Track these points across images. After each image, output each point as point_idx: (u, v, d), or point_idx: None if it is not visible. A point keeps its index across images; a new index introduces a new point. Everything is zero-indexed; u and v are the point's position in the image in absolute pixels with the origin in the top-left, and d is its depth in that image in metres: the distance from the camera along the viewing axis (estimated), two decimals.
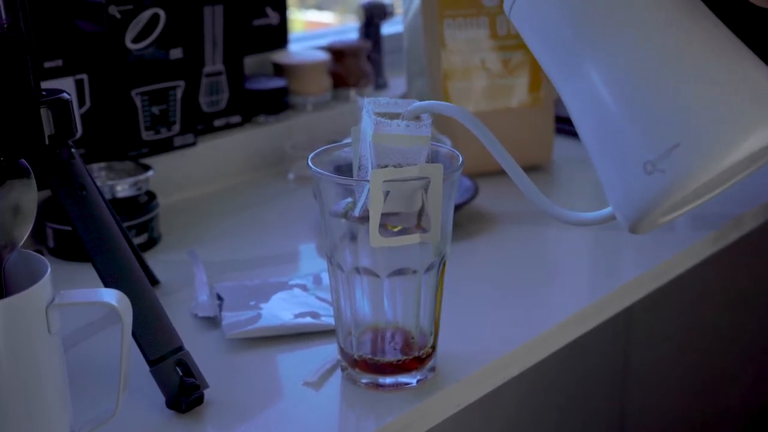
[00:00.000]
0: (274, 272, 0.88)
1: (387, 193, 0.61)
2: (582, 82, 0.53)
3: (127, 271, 0.66)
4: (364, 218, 0.62)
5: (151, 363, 0.65)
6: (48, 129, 0.63)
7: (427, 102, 0.62)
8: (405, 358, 0.67)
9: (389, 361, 0.67)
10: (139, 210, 0.93)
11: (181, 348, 0.67)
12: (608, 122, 0.52)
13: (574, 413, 1.53)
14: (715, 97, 0.50)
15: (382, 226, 0.62)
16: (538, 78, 1.13)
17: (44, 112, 0.63)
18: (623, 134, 0.51)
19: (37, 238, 0.94)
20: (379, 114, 0.62)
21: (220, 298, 0.81)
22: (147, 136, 1.05)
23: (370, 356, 0.67)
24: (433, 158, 0.65)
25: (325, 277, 0.84)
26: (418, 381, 0.69)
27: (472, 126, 0.60)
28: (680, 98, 0.50)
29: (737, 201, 1.03)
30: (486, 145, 0.60)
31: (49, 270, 0.56)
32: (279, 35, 1.26)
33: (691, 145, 0.49)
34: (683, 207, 0.55)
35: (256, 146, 1.16)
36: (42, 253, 0.60)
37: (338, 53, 1.28)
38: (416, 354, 0.68)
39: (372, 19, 1.35)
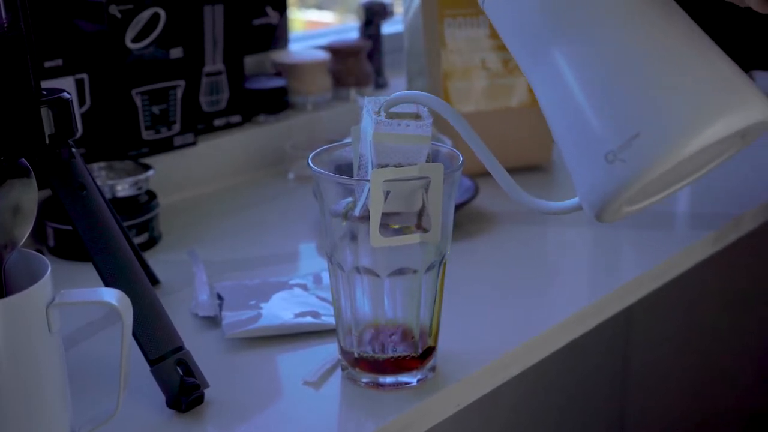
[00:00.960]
0: (274, 272, 0.88)
1: (387, 193, 0.61)
2: (549, 70, 0.54)
3: (127, 271, 0.66)
4: (365, 218, 0.62)
5: (152, 362, 0.65)
6: (48, 128, 0.63)
7: (406, 93, 0.62)
8: (405, 355, 0.67)
9: (389, 357, 0.67)
10: (139, 209, 0.93)
11: (181, 347, 0.67)
12: (573, 112, 0.52)
13: (573, 413, 1.53)
14: (676, 87, 0.50)
15: (383, 226, 0.62)
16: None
17: (44, 112, 0.63)
18: (587, 124, 0.52)
19: (38, 237, 0.94)
20: (379, 113, 0.62)
21: (220, 297, 0.81)
22: (147, 135, 1.05)
23: (370, 354, 0.67)
24: (434, 158, 0.65)
25: (326, 277, 0.84)
26: (418, 380, 0.69)
27: (443, 111, 0.61)
28: (641, 88, 0.50)
29: (737, 201, 1.03)
30: (458, 129, 0.61)
31: (50, 269, 0.56)
32: (279, 35, 1.25)
33: (651, 135, 0.49)
34: (650, 197, 0.55)
35: (256, 146, 1.16)
36: (42, 253, 0.60)
37: (338, 53, 1.28)
38: (416, 352, 0.68)
39: (372, 18, 1.35)
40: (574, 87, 0.52)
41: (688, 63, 0.51)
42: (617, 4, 0.52)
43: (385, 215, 0.61)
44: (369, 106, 0.62)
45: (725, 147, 0.53)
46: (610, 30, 0.52)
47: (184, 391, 0.65)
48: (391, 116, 0.61)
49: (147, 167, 0.97)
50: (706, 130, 0.49)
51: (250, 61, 1.22)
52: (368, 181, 0.61)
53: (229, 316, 0.77)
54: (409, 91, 0.62)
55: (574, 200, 0.58)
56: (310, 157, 0.66)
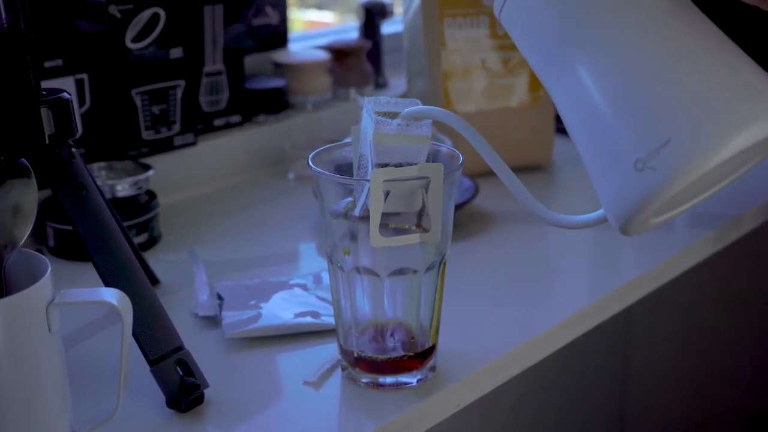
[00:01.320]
0: (274, 272, 0.88)
1: (387, 193, 0.61)
2: (571, 80, 0.53)
3: (127, 271, 0.66)
4: (365, 218, 0.62)
5: (152, 362, 0.65)
6: (48, 128, 0.63)
7: (425, 108, 0.62)
8: (405, 354, 0.67)
9: (389, 357, 0.67)
10: (139, 209, 0.93)
11: (181, 347, 0.67)
12: (598, 121, 0.51)
13: (574, 413, 1.53)
14: (705, 94, 0.49)
15: (383, 226, 0.62)
16: (538, 78, 1.13)
17: (44, 112, 0.63)
18: (613, 132, 0.51)
19: (38, 237, 0.94)
20: (379, 113, 0.62)
21: (220, 297, 0.81)
22: (147, 135, 1.05)
23: (370, 354, 0.67)
24: (434, 158, 0.65)
25: (326, 277, 0.84)
26: (418, 381, 0.69)
27: (467, 133, 0.60)
28: (670, 95, 0.49)
29: (737, 201, 1.03)
30: (479, 151, 0.60)
31: (50, 269, 0.56)
32: (279, 35, 1.25)
33: (681, 141, 0.48)
34: (675, 208, 0.54)
35: (256, 146, 1.16)
36: (42, 253, 0.60)
37: (338, 53, 1.28)
38: (416, 350, 0.68)
39: (372, 18, 1.35)
40: (599, 96, 0.51)
41: (716, 68, 0.50)
42: (640, 12, 0.51)
43: (385, 215, 0.61)
44: (369, 105, 0.62)
45: (754, 153, 0.52)
46: (634, 39, 0.51)
47: (184, 391, 0.65)
48: (391, 116, 0.61)
49: (147, 167, 0.97)
50: (738, 135, 0.48)
51: (249, 61, 1.22)
52: (368, 181, 0.61)
53: (229, 316, 0.77)
54: (429, 107, 0.61)
55: (598, 212, 0.56)
56: (310, 157, 0.66)
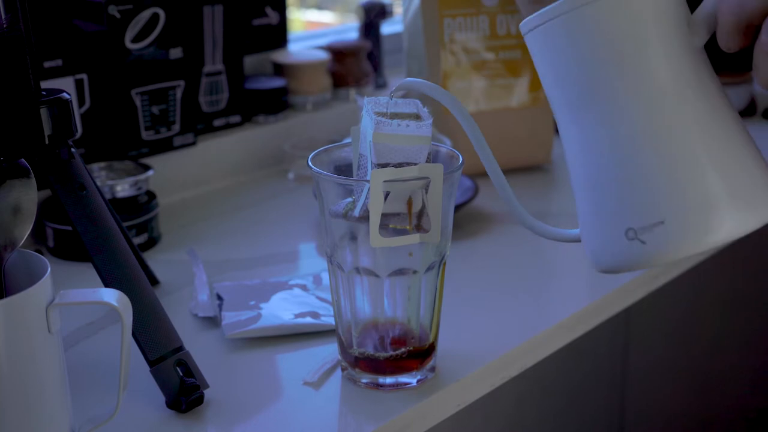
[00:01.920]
0: (274, 272, 0.88)
1: (387, 193, 0.61)
2: (586, 129, 0.53)
3: (127, 271, 0.65)
4: (364, 218, 0.62)
5: (151, 363, 0.65)
6: (48, 129, 0.63)
7: (413, 80, 0.62)
8: (405, 352, 0.67)
9: (389, 356, 0.67)
10: (139, 210, 0.93)
11: (181, 348, 0.67)
12: (603, 175, 0.53)
13: (573, 413, 1.53)
14: (708, 183, 0.51)
15: (383, 226, 0.62)
16: (538, 78, 1.13)
17: (44, 112, 0.63)
18: (614, 192, 0.52)
19: (37, 237, 0.94)
20: (379, 113, 0.62)
21: (220, 297, 0.81)
22: (147, 135, 1.05)
23: (370, 353, 0.67)
24: (434, 158, 0.65)
25: (325, 277, 0.84)
26: (418, 381, 0.69)
27: (455, 110, 0.60)
28: (676, 176, 0.51)
29: None
30: (465, 127, 0.60)
31: (49, 270, 0.56)
32: (279, 35, 1.26)
33: (674, 225, 0.50)
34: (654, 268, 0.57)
35: (255, 146, 1.16)
36: (42, 253, 0.60)
37: (338, 53, 1.28)
38: (416, 351, 0.68)
39: (372, 18, 1.35)
40: (610, 154, 0.52)
41: (724, 159, 0.51)
42: (667, 87, 0.51)
43: (384, 216, 0.61)
44: (368, 106, 0.62)
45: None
46: (657, 110, 0.51)
47: (184, 391, 0.65)
48: (391, 116, 0.61)
49: (147, 167, 0.97)
50: (728, 229, 0.51)
51: (249, 61, 1.22)
52: (368, 181, 0.61)
53: (228, 317, 0.77)
54: (415, 80, 0.62)
55: (575, 232, 0.58)
56: (310, 157, 0.66)
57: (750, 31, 0.49)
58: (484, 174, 1.05)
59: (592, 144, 0.53)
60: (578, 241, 0.58)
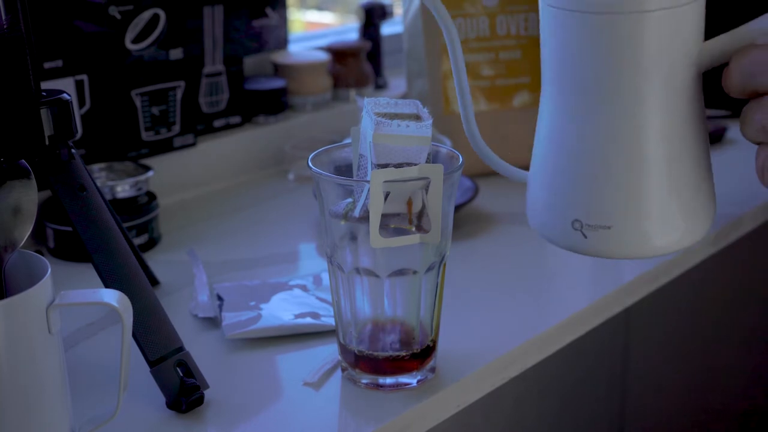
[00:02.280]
0: (274, 272, 0.88)
1: (387, 194, 0.61)
2: (572, 113, 0.54)
3: (127, 272, 0.66)
4: (365, 219, 0.62)
5: (152, 363, 0.65)
6: (48, 129, 0.63)
7: None
8: (405, 354, 0.67)
9: (389, 355, 0.67)
10: (139, 210, 0.93)
11: (181, 348, 0.67)
12: (570, 161, 0.54)
13: (573, 414, 1.53)
14: (662, 202, 0.52)
15: (383, 227, 0.62)
16: (538, 77, 1.13)
17: (44, 113, 0.63)
18: (575, 182, 0.54)
19: (38, 238, 0.94)
20: (379, 114, 0.62)
21: (220, 298, 0.81)
22: (147, 136, 1.05)
23: (370, 351, 0.67)
24: (434, 158, 0.65)
25: (326, 278, 0.84)
26: (418, 381, 0.69)
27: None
28: (641, 188, 0.52)
29: (737, 201, 1.03)
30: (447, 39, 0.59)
31: (50, 270, 0.56)
32: (279, 35, 1.25)
33: (620, 233, 0.52)
34: None
35: (255, 146, 1.16)
36: (42, 254, 0.60)
37: (338, 54, 1.28)
38: (416, 349, 0.68)
39: (372, 19, 1.35)
40: (583, 146, 0.53)
41: (680, 180, 0.53)
42: (655, 102, 0.52)
43: (384, 216, 0.61)
44: (369, 106, 0.62)
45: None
46: (643, 121, 0.52)
47: (184, 392, 0.65)
48: (391, 117, 0.61)
49: (147, 168, 0.97)
50: (665, 245, 0.53)
51: (249, 62, 1.22)
52: (368, 181, 0.61)
53: (229, 317, 0.77)
54: None
55: (523, 176, 0.59)
56: (310, 157, 0.66)
57: (751, 95, 0.50)
58: (484, 174, 1.05)
59: (572, 128, 0.53)
60: (521, 182, 0.59)
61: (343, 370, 0.70)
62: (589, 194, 0.53)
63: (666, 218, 0.52)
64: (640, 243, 0.53)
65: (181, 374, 0.66)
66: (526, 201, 0.58)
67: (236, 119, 1.16)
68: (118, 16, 0.97)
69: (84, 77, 0.99)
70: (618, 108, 0.52)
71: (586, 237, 0.53)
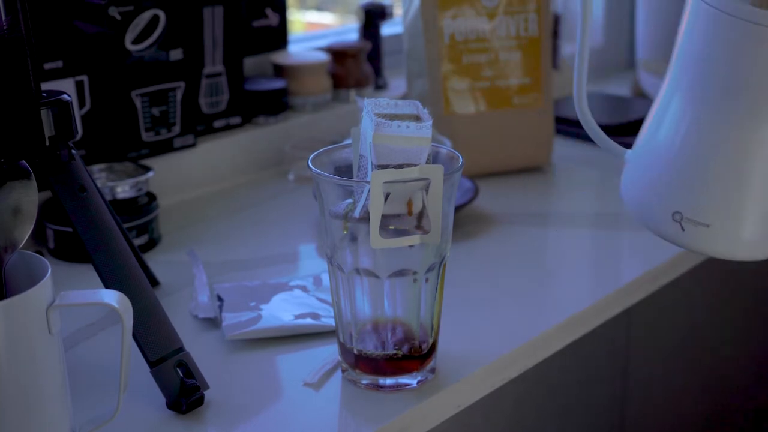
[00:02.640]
0: (274, 273, 0.88)
1: (387, 194, 0.61)
2: (705, 111, 0.54)
3: (127, 272, 0.66)
4: (365, 219, 0.62)
5: (152, 364, 0.65)
6: (48, 130, 0.63)
7: None
8: (405, 354, 0.67)
9: (389, 354, 0.67)
10: (139, 211, 0.93)
11: (181, 349, 0.67)
12: (688, 153, 0.55)
13: (574, 414, 1.53)
14: (765, 213, 0.54)
15: (383, 227, 0.62)
16: (538, 78, 1.13)
17: (44, 114, 0.63)
18: (686, 175, 0.55)
19: (38, 239, 0.94)
20: (379, 114, 0.62)
21: (220, 299, 0.81)
22: (147, 137, 1.05)
23: (370, 351, 0.67)
24: (434, 159, 0.65)
25: (326, 278, 0.84)
26: (418, 382, 0.69)
27: None
28: (748, 196, 0.54)
29: None
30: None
31: (50, 271, 0.56)
32: (279, 36, 1.26)
33: (718, 234, 0.54)
34: None
35: (255, 147, 1.16)
36: (42, 254, 0.60)
37: (338, 54, 1.28)
38: (416, 349, 0.68)
39: (372, 20, 1.35)
40: (705, 143, 0.54)
41: None
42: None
43: (385, 217, 0.61)
44: (369, 107, 0.62)
45: None
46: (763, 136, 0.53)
47: (185, 392, 0.65)
48: (391, 117, 0.62)
49: (147, 169, 0.97)
50: (756, 252, 0.55)
51: (249, 63, 1.22)
52: (368, 182, 0.61)
53: (229, 318, 0.77)
54: None
55: (625, 153, 0.60)
56: (310, 158, 0.66)
57: None
58: (484, 175, 1.05)
59: (703, 126, 0.54)
60: (619, 158, 0.59)
61: (343, 370, 0.70)
62: (697, 191, 0.54)
63: (765, 226, 0.54)
64: (734, 246, 0.54)
65: (181, 375, 0.66)
66: (621, 177, 0.59)
67: (236, 120, 1.16)
68: (118, 17, 0.97)
69: (84, 78, 0.99)
70: (758, 117, 0.53)
71: (683, 230, 0.54)
